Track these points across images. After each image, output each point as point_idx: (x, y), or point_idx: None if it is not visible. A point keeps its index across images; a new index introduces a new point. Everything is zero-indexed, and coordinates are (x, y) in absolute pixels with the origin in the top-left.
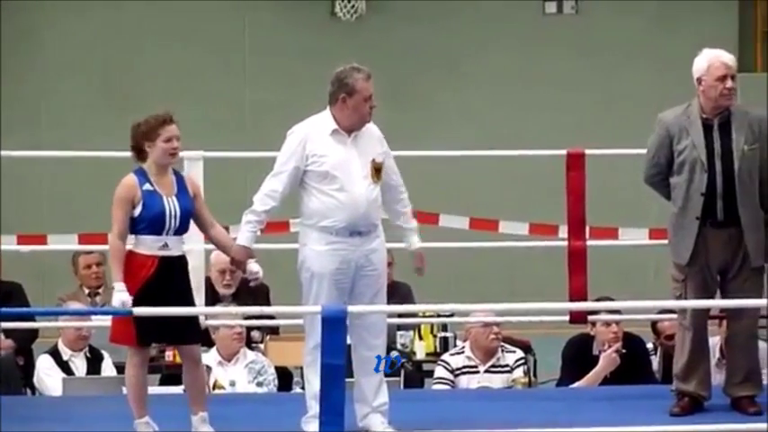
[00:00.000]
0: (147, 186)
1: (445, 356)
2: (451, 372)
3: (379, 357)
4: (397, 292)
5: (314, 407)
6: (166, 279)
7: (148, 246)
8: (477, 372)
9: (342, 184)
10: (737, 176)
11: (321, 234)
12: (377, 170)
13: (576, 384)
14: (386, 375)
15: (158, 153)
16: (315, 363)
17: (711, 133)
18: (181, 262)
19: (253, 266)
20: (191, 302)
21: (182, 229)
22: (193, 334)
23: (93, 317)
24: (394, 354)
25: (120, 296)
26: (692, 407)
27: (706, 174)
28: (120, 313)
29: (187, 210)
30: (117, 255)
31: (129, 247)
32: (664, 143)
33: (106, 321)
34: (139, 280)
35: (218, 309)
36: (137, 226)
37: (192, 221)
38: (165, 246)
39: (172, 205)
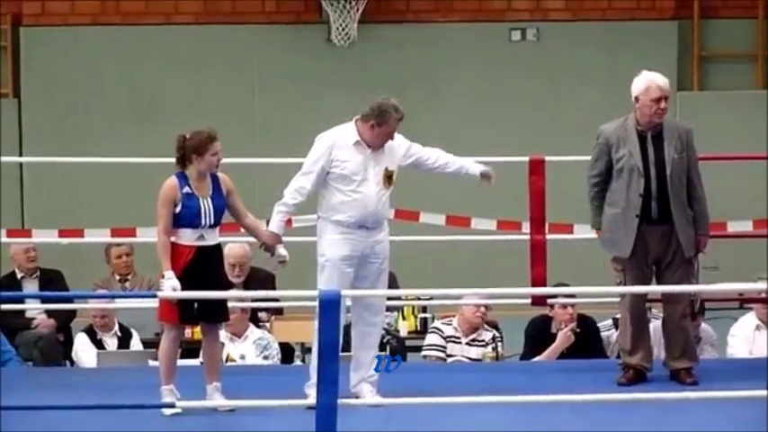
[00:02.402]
0: (186, 189)
1: (437, 324)
2: (444, 339)
3: (379, 357)
4: None
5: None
6: (203, 265)
7: (187, 237)
8: (460, 342)
9: (357, 186)
10: (669, 181)
11: (335, 226)
12: (388, 177)
13: (536, 358)
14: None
15: (205, 165)
16: None
17: (646, 143)
18: (216, 250)
19: (281, 251)
20: (225, 286)
21: (216, 223)
22: (224, 314)
23: (121, 300)
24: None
25: (171, 283)
26: (637, 378)
27: (642, 178)
28: (143, 296)
29: (220, 207)
30: (164, 247)
31: (171, 239)
32: (603, 150)
33: (134, 304)
34: (180, 266)
35: (232, 293)
36: (178, 222)
37: (225, 215)
38: (202, 237)
39: (207, 205)
